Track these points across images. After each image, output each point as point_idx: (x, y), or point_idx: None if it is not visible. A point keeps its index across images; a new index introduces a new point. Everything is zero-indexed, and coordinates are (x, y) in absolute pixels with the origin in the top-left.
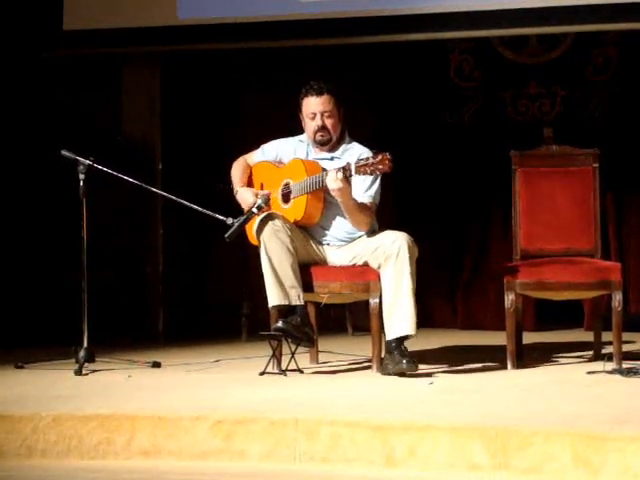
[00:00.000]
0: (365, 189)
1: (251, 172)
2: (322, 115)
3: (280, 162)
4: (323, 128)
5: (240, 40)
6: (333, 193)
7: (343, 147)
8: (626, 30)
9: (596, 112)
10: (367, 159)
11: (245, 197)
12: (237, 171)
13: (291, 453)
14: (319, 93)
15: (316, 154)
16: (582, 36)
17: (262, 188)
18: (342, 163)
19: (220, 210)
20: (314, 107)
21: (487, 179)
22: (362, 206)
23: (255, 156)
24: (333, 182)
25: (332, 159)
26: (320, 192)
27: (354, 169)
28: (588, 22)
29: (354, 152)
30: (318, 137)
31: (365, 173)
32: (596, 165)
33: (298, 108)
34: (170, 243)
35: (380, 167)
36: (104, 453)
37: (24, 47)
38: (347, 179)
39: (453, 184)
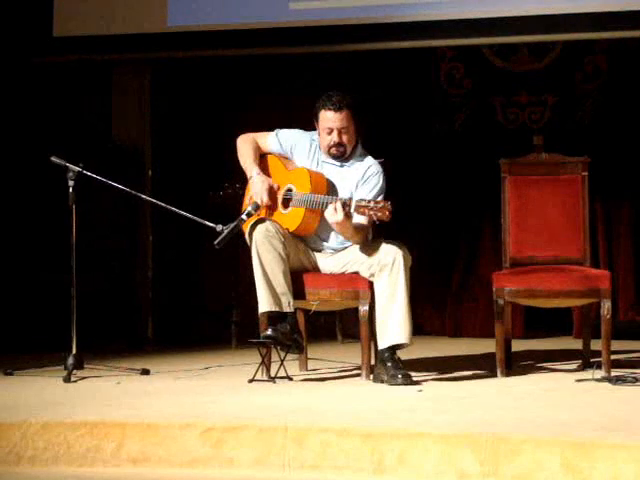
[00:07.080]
0: None
1: (266, 160)
2: (339, 132)
3: (291, 157)
4: (339, 144)
5: (230, 47)
6: (332, 225)
7: (355, 158)
8: (616, 38)
9: (586, 120)
10: (369, 202)
11: (257, 190)
12: (249, 150)
13: (280, 460)
14: (338, 109)
15: (326, 158)
16: (572, 44)
17: None
18: (350, 173)
19: (210, 217)
20: (331, 123)
21: (477, 187)
22: (359, 228)
23: (270, 141)
24: (331, 216)
25: (342, 166)
26: (318, 209)
27: (354, 207)
28: (578, 30)
29: (362, 166)
30: (332, 151)
31: (363, 214)
32: (585, 173)
33: (314, 116)
34: (160, 250)
35: (379, 214)
36: (93, 460)
37: (14, 53)
38: (347, 213)
39: (443, 191)
